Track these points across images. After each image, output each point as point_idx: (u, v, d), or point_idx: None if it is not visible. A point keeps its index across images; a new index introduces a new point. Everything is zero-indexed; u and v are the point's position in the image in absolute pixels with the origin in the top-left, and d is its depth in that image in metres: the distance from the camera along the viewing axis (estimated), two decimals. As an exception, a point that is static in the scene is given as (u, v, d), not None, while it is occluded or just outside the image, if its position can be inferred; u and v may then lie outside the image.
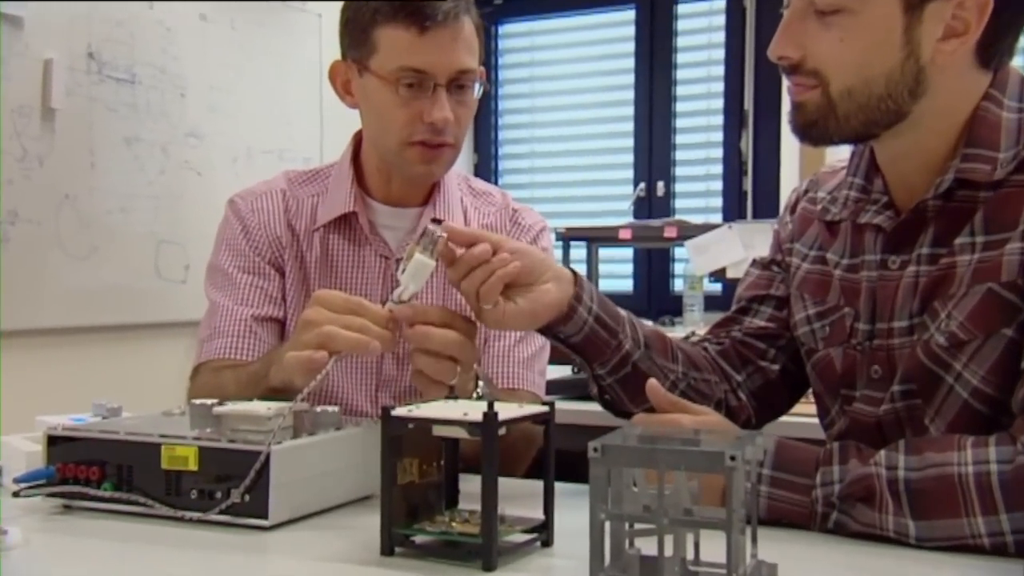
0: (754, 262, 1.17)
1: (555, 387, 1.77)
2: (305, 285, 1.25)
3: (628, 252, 3.47)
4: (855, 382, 1.01)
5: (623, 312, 1.07)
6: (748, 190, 3.23)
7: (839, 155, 1.13)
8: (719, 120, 3.34)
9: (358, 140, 1.30)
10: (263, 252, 1.26)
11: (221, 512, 0.88)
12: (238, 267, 1.26)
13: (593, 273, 3.07)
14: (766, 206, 3.16)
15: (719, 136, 3.34)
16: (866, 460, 0.85)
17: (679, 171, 3.43)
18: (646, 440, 0.69)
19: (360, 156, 1.29)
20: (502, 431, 0.76)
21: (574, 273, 1.03)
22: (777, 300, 1.13)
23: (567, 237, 3.07)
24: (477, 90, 1.22)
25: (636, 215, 3.38)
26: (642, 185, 3.41)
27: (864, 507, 0.84)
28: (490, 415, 0.75)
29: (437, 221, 1.27)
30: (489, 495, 0.74)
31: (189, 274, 2.47)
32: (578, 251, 3.22)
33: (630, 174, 3.48)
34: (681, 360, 1.10)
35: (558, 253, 3.01)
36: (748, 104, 3.22)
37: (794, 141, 0.96)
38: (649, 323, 1.12)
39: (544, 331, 1.03)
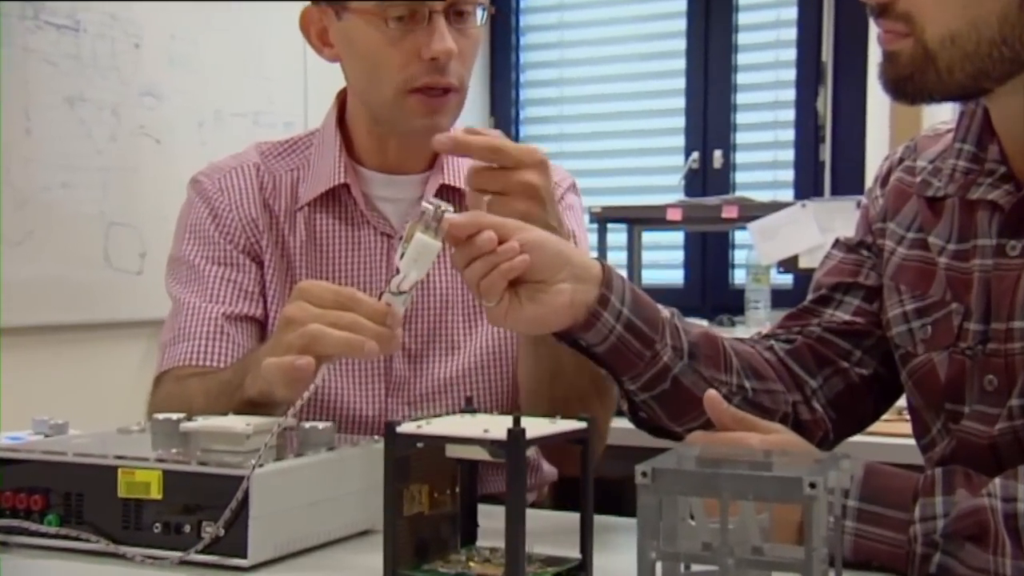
0: (837, 243, 1.17)
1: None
2: (289, 276, 1.27)
3: (678, 237, 3.46)
4: (963, 395, 1.00)
5: (664, 313, 1.07)
6: (826, 160, 3.23)
7: (939, 117, 1.12)
8: (790, 75, 3.33)
9: (343, 100, 1.31)
10: (235, 239, 1.28)
11: (191, 550, 0.88)
12: (206, 257, 1.28)
13: (635, 263, 3.11)
14: (848, 180, 3.16)
15: (790, 94, 3.34)
16: (977, 490, 0.85)
17: (741, 137, 3.42)
18: (706, 463, 0.69)
19: (346, 119, 1.30)
20: (531, 452, 0.78)
21: (604, 268, 1.03)
22: (866, 290, 1.12)
23: (603, 218, 3.07)
24: (480, 16, 1.22)
25: (688, 191, 3.38)
26: (695, 155, 3.42)
27: (975, 547, 0.83)
28: (516, 432, 0.75)
29: (449, 189, 1.28)
30: (515, 530, 0.73)
31: (146, 263, 2.48)
32: (617, 236, 3.21)
33: (681, 141, 3.47)
34: (736, 368, 1.10)
35: (592, 239, 3.04)
36: (826, 55, 3.22)
37: (882, 99, 0.94)
38: (703, 324, 1.12)
39: (561, 337, 1.04)
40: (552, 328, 1.01)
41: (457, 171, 1.30)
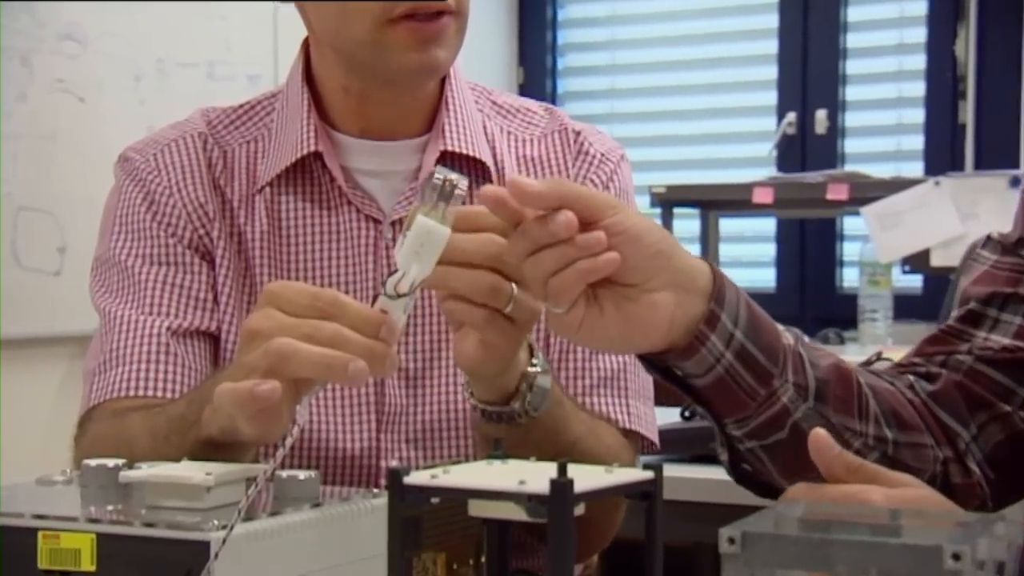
0: (989, 241, 1.18)
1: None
2: (248, 278, 1.31)
3: (767, 225, 3.50)
4: None
5: (788, 336, 1.06)
6: (968, 122, 3.24)
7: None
8: (919, 8, 3.34)
9: (307, 51, 1.35)
10: (179, 231, 1.31)
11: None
12: (142, 256, 1.31)
13: (710, 257, 3.18)
14: (998, 148, 3.16)
15: (919, 34, 3.34)
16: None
17: (852, 93, 3.45)
18: (813, 526, 0.69)
19: (314, 74, 1.34)
20: (579, 510, 0.76)
21: (714, 274, 1.02)
22: None
23: (667, 201, 3.08)
24: None
25: (781, 165, 3.42)
26: (791, 116, 3.46)
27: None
28: (561, 484, 0.74)
29: (455, 158, 1.30)
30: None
31: (66, 261, 2.50)
32: (686, 223, 3.21)
33: (772, 98, 3.50)
34: (875, 414, 1.10)
35: None
36: (968, -17, 3.28)
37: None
38: (830, 352, 1.11)
39: (649, 364, 1.05)
40: (640, 349, 1.02)
41: (463, 133, 1.33)
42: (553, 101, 3.71)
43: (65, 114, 2.53)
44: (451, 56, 1.27)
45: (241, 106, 1.38)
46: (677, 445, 1.91)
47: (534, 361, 1.09)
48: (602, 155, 1.36)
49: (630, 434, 1.29)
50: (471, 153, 1.30)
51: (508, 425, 1.09)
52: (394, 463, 1.24)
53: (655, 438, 1.32)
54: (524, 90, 3.69)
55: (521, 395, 1.09)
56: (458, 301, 0.99)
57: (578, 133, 1.37)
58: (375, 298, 0.99)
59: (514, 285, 0.99)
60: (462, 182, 0.95)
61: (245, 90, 2.63)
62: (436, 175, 0.95)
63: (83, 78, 2.55)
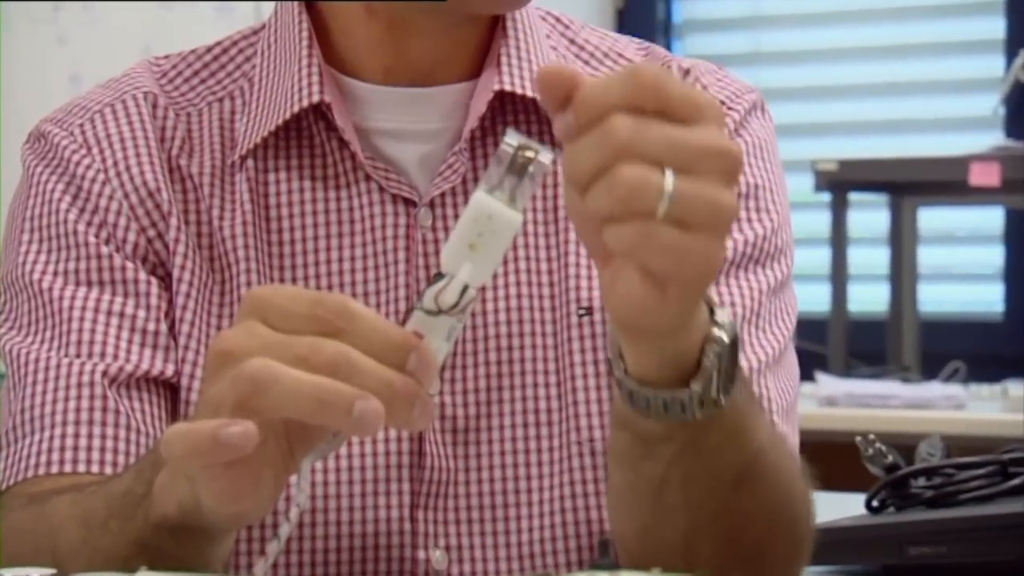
0: None
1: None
2: (225, 292, 1.34)
3: (992, 219, 3.49)
4: None
5: None
6: None
7: None
8: None
9: None
10: (119, 234, 1.34)
11: None
12: (64, 274, 1.34)
13: (903, 269, 3.24)
14: None
15: None
16: None
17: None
18: None
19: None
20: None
21: None
22: None
23: (840, 184, 3.12)
24: None
25: (1012, 129, 3.33)
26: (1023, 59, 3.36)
27: None
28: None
29: (516, 101, 1.34)
30: None
31: None
32: (870, 216, 3.24)
33: (997, 28, 3.47)
34: None
35: (822, 220, 3.09)
36: None
37: None
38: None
39: None
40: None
41: (526, 68, 1.36)
42: (667, 32, 3.78)
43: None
44: None
45: (209, 50, 1.41)
46: (862, 550, 1.73)
47: (718, 319, 1.07)
48: (722, 103, 1.37)
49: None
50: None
51: (676, 422, 1.08)
52: (437, 555, 1.26)
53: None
54: (625, 19, 3.78)
55: (705, 372, 1.06)
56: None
57: (686, 72, 1.40)
58: (407, 314, 1.00)
59: (669, 174, 0.97)
60: (544, 155, 0.97)
61: (212, 25, 2.73)
62: (507, 140, 0.97)
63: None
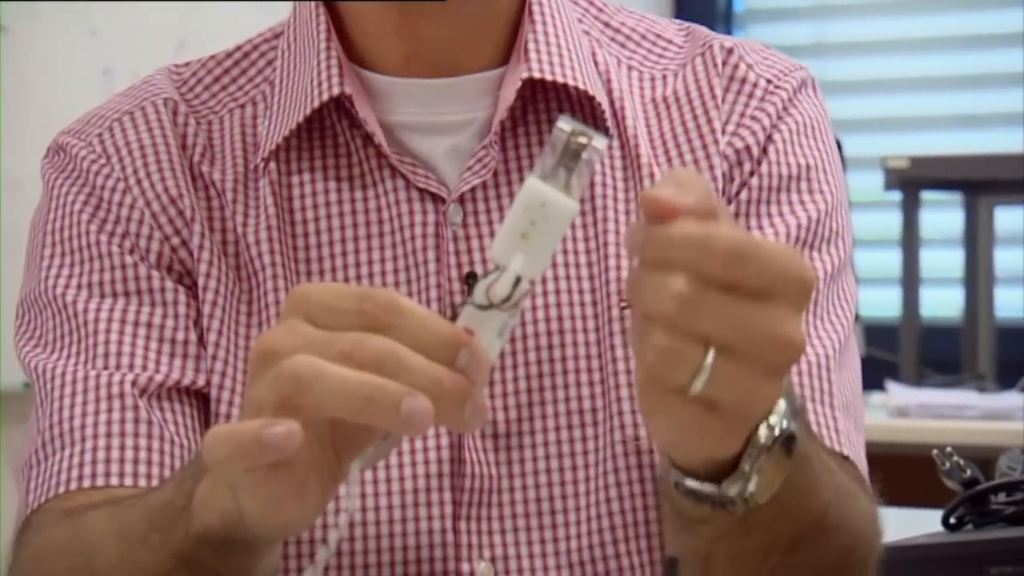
0: None
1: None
2: (253, 299, 1.34)
3: None
4: None
5: None
6: None
7: None
8: None
9: None
10: (142, 244, 1.35)
11: None
12: (88, 287, 1.34)
13: (980, 275, 3.23)
14: None
15: None
16: None
17: None
18: None
19: None
20: None
21: None
22: None
23: (912, 182, 3.11)
24: None
25: None
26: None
27: None
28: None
29: (546, 88, 1.33)
30: None
31: None
32: (945, 214, 3.24)
33: None
34: None
35: (893, 220, 3.07)
36: None
37: None
38: None
39: None
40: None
41: (560, 54, 1.35)
42: (728, 22, 3.78)
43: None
44: None
45: (229, 55, 1.41)
46: (940, 569, 1.78)
47: (772, 419, 1.04)
48: (768, 81, 1.36)
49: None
50: (572, 83, 1.31)
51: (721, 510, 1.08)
52: (482, 566, 1.26)
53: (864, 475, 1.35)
54: (683, 8, 3.83)
55: (742, 476, 1.05)
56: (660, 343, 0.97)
57: (729, 51, 1.38)
58: (456, 311, 0.99)
59: (711, 355, 0.97)
60: (598, 140, 0.96)
61: (249, 19, 2.59)
62: (560, 124, 0.96)
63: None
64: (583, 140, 0.96)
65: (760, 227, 1.26)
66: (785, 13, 3.94)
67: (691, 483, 1.07)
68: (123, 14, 2.87)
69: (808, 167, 1.31)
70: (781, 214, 1.26)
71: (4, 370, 2.49)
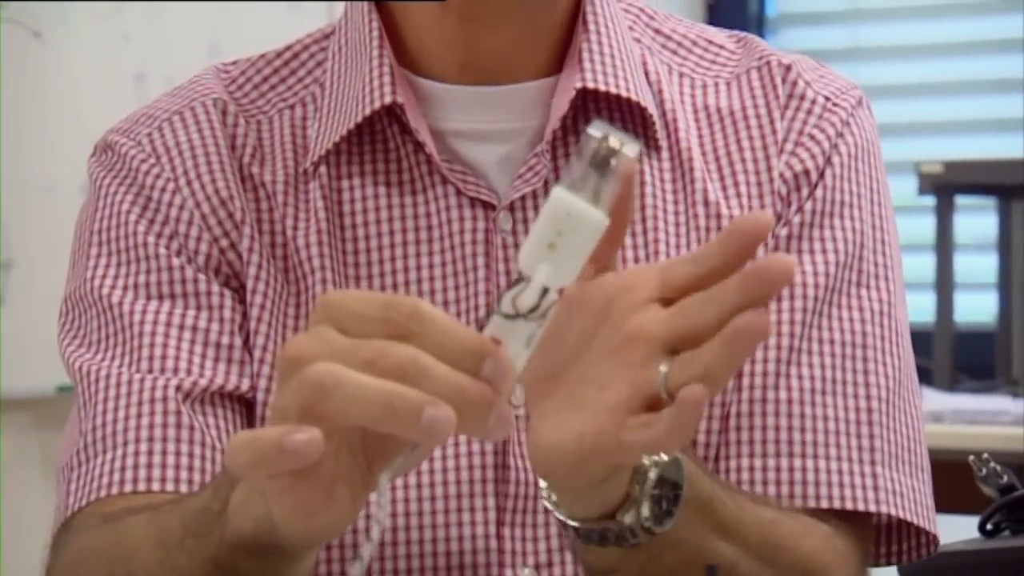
0: None
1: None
2: (302, 303, 1.35)
3: None
4: None
5: None
6: None
7: None
8: None
9: None
10: (191, 246, 1.36)
11: None
12: (134, 288, 1.35)
13: (1015, 274, 3.22)
14: None
15: None
16: None
17: None
18: None
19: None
20: None
21: None
22: None
23: (946, 187, 3.11)
24: None
25: None
26: None
27: None
28: None
29: (599, 99, 1.33)
30: None
31: (11, 284, 2.56)
32: (979, 219, 3.23)
33: None
34: None
35: (927, 225, 3.07)
36: None
37: None
38: None
39: None
40: None
41: (612, 64, 1.35)
42: (761, 27, 3.79)
43: (12, 59, 2.60)
44: None
45: (279, 55, 1.41)
46: None
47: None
48: (826, 99, 1.36)
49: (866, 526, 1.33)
50: (624, 93, 1.31)
51: (621, 548, 1.10)
52: (526, 573, 1.28)
53: (931, 526, 1.34)
54: (716, 13, 3.78)
55: (634, 502, 1.08)
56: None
57: (787, 68, 1.39)
58: (485, 319, 1.00)
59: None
60: (629, 147, 0.96)
61: (282, 23, 2.79)
62: (591, 131, 0.97)
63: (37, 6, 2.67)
64: (613, 146, 0.95)
65: (811, 251, 1.27)
66: (818, 17, 3.95)
67: (592, 524, 1.09)
68: (155, 19, 2.89)
69: (859, 195, 1.31)
70: (834, 239, 1.27)
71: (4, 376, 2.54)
